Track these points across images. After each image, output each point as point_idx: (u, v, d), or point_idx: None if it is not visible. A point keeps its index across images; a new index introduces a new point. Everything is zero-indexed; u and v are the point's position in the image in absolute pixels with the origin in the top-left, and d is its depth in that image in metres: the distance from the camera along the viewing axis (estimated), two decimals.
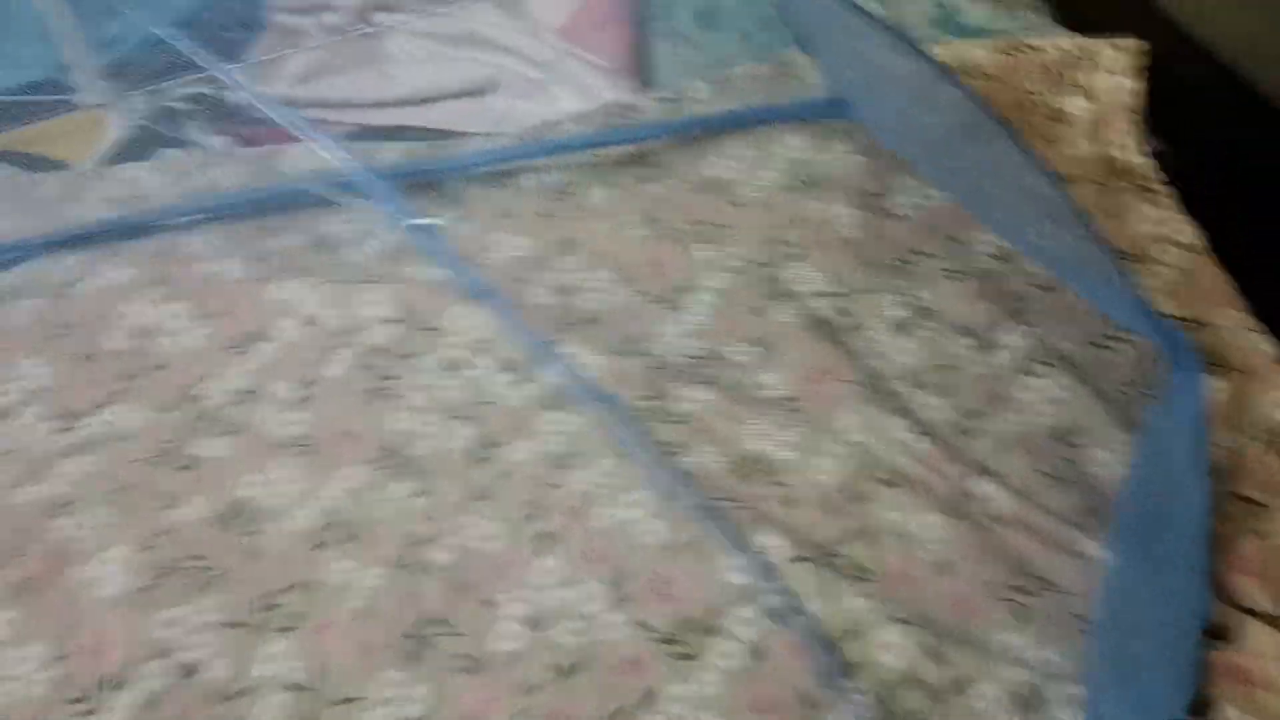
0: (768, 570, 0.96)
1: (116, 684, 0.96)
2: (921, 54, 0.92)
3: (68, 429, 1.19)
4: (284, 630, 0.99)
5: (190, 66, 1.09)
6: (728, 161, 1.38)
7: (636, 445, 0.96)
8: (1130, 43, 1.38)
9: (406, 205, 0.83)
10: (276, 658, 0.97)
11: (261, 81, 1.69)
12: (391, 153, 1.47)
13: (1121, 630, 0.87)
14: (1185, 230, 1.26)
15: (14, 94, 1.53)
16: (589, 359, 1.18)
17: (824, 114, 1.38)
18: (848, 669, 0.89)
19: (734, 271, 1.26)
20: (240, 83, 0.88)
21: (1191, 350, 1.01)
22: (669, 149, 1.43)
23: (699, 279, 1.26)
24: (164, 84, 1.04)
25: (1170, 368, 1.04)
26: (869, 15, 0.94)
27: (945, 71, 0.92)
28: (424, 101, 1.64)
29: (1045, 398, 1.08)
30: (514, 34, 1.66)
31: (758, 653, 0.92)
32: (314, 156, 1.51)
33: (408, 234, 0.84)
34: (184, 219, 1.41)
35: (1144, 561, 0.89)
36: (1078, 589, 0.93)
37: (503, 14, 1.70)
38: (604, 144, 1.43)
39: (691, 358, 1.18)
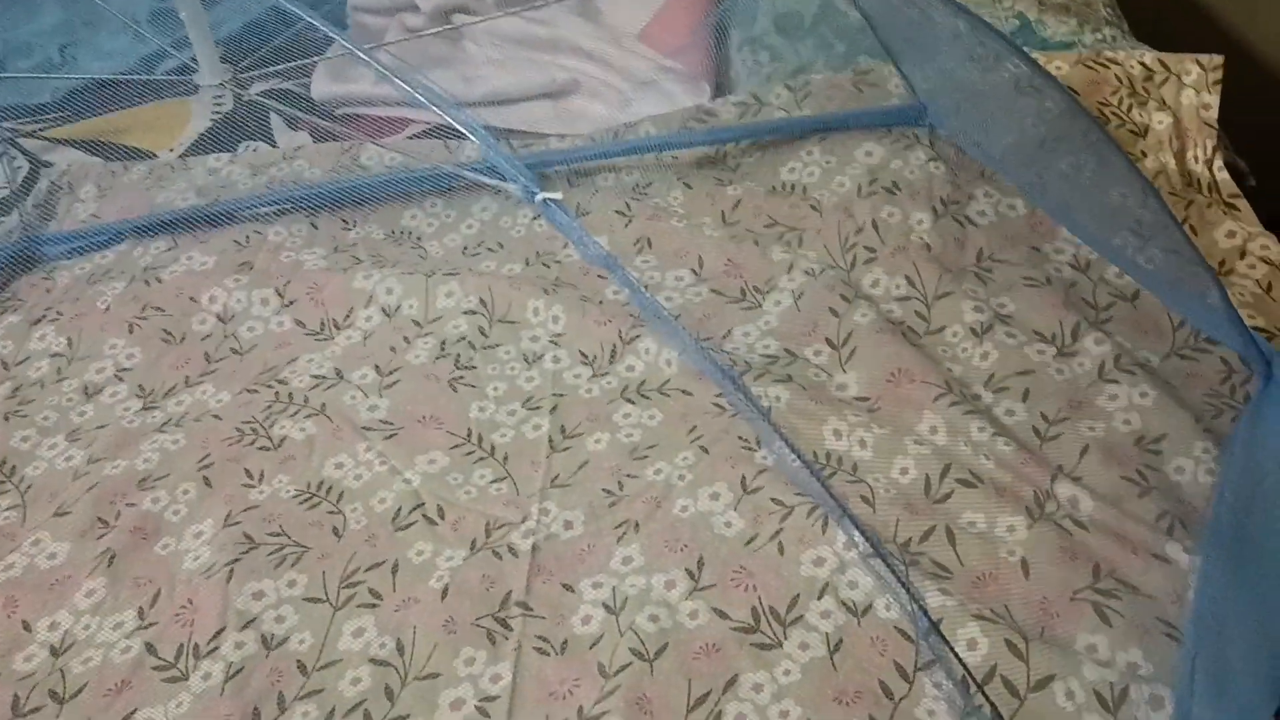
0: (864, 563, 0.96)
1: (203, 652, 0.97)
2: (1027, 58, 0.93)
3: (155, 407, 1.22)
4: (367, 606, 1.00)
5: (283, 54, 1.12)
6: (806, 166, 1.39)
7: (761, 419, 0.97)
8: (1214, 59, 1.38)
9: (534, 183, 0.86)
10: (360, 633, 0.98)
11: (341, 78, 1.72)
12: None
13: (1212, 637, 0.86)
14: (1265, 244, 1.25)
15: (131, 74, 1.55)
16: (666, 355, 1.19)
17: (904, 121, 1.38)
18: (930, 665, 0.89)
19: (811, 274, 1.26)
20: (377, 62, 0.91)
21: None
22: (747, 153, 1.44)
23: (776, 280, 1.26)
24: (275, 68, 1.07)
25: (1258, 379, 1.04)
26: (978, 19, 0.94)
27: (1048, 76, 0.92)
28: (501, 103, 1.66)
29: (1127, 405, 1.08)
30: (592, 39, 1.68)
31: (838, 644, 0.92)
32: (389, 153, 1.54)
33: (540, 208, 0.86)
34: (268, 208, 1.45)
35: (1235, 569, 0.89)
36: (1162, 593, 0.92)
37: (581, 19, 1.72)
38: (683, 146, 1.44)
39: (768, 357, 1.19)
